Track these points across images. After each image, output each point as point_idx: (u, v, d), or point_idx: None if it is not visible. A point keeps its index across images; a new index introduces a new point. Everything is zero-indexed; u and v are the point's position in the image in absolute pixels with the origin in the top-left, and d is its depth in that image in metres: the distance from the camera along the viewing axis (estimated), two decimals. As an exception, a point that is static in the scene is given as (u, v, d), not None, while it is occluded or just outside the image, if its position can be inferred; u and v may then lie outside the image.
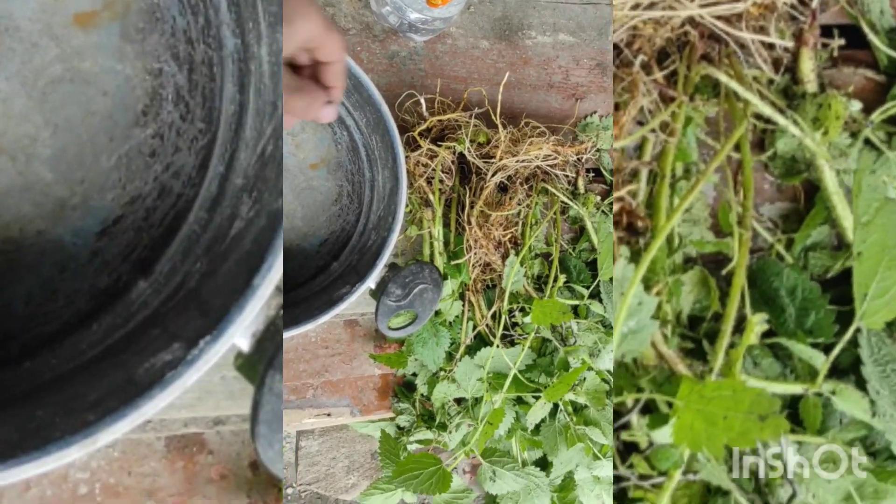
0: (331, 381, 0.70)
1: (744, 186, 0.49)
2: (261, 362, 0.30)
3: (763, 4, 0.50)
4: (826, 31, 0.56)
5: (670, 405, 0.44)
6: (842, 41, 0.55)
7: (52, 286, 0.37)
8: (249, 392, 0.30)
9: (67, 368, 0.34)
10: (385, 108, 0.54)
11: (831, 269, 0.51)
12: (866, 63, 0.57)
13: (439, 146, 0.62)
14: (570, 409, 0.71)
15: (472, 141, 0.62)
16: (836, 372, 0.49)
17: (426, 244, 0.64)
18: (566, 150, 0.67)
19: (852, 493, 0.46)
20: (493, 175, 0.62)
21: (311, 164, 0.64)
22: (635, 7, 0.50)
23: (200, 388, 0.47)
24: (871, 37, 0.56)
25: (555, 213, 0.69)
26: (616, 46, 0.52)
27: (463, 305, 0.67)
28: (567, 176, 0.70)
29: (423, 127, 0.62)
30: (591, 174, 0.76)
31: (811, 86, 0.53)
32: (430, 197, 0.61)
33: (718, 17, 0.51)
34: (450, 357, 0.68)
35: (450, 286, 0.64)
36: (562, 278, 0.69)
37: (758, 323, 0.45)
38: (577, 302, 0.70)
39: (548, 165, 0.67)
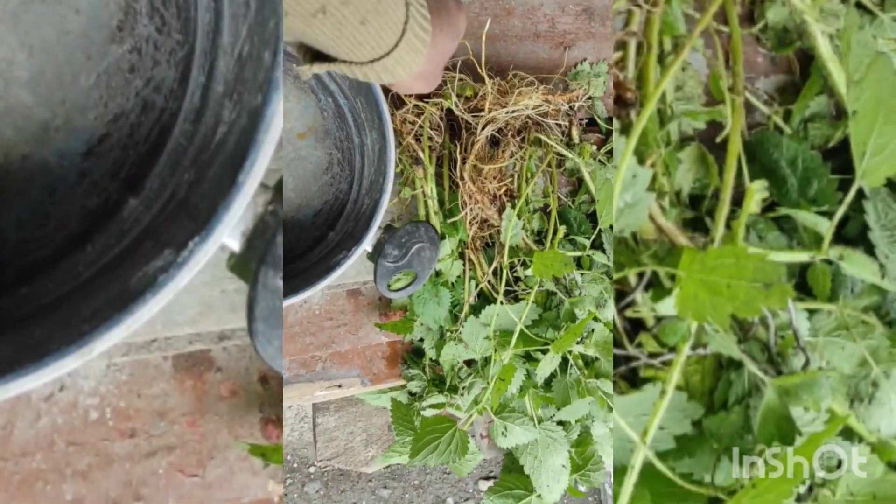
0: (339, 352, 0.70)
1: (732, 51, 0.48)
2: (252, 260, 0.30)
3: None
4: None
5: (673, 279, 0.44)
6: None
7: (43, 210, 0.37)
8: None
9: (65, 291, 0.35)
10: (365, 66, 0.53)
11: (832, 137, 0.50)
12: None
13: (426, 103, 0.61)
14: (580, 362, 0.71)
15: (458, 95, 0.61)
16: (844, 241, 0.48)
17: (421, 204, 0.63)
18: (557, 99, 0.66)
19: (867, 358, 0.46)
20: (482, 128, 0.61)
21: (297, 133, 0.63)
22: None
23: (201, 303, 0.47)
24: None
25: (549, 165, 0.68)
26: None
27: (463, 264, 0.66)
28: (560, 126, 0.69)
29: (408, 85, 0.61)
30: (585, 122, 0.74)
31: None
32: (421, 155, 0.60)
33: None
34: (455, 318, 0.67)
35: (448, 246, 0.64)
36: (562, 230, 0.68)
37: (758, 190, 0.44)
38: (579, 253, 0.69)
39: (539, 116, 0.65)
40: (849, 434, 0.49)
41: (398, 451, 0.69)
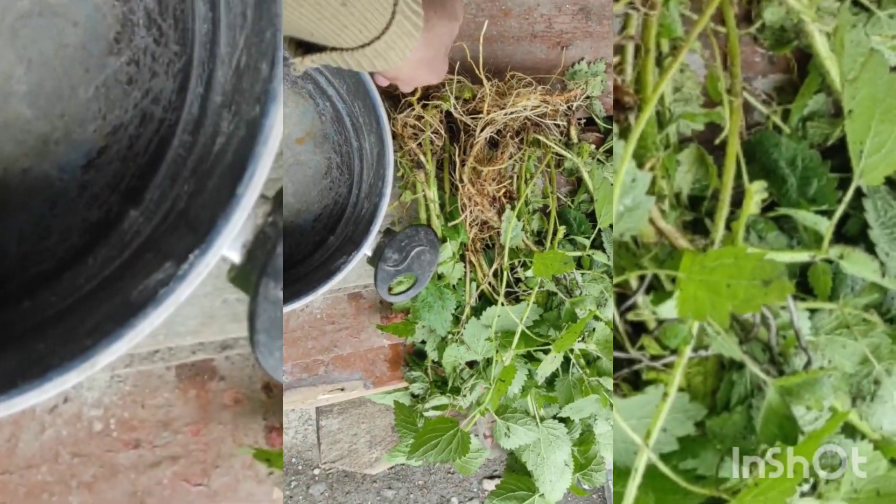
0: (340, 355, 0.70)
1: (730, 53, 0.48)
2: (253, 271, 0.30)
3: None
4: None
5: (674, 281, 0.44)
6: None
7: (44, 224, 0.37)
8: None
9: (67, 304, 0.35)
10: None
11: (831, 136, 0.50)
12: None
13: (425, 107, 0.61)
14: (582, 361, 0.71)
15: (457, 98, 0.61)
16: (844, 239, 0.48)
17: (422, 208, 0.63)
18: (555, 99, 0.66)
19: (868, 356, 0.46)
20: (481, 130, 0.61)
21: (296, 138, 0.63)
22: None
23: (203, 313, 0.47)
24: None
25: (548, 165, 0.68)
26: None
27: (464, 267, 0.66)
28: (559, 126, 0.69)
29: (406, 88, 0.61)
30: (584, 122, 0.74)
31: None
32: (421, 158, 0.60)
33: None
34: (456, 320, 0.67)
35: (449, 248, 0.64)
36: (562, 230, 0.68)
37: (757, 191, 0.44)
38: (579, 253, 0.69)
39: (537, 116, 0.65)
40: (851, 432, 0.49)
41: (402, 452, 0.69)
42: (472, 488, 1.09)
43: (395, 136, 0.61)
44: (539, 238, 0.70)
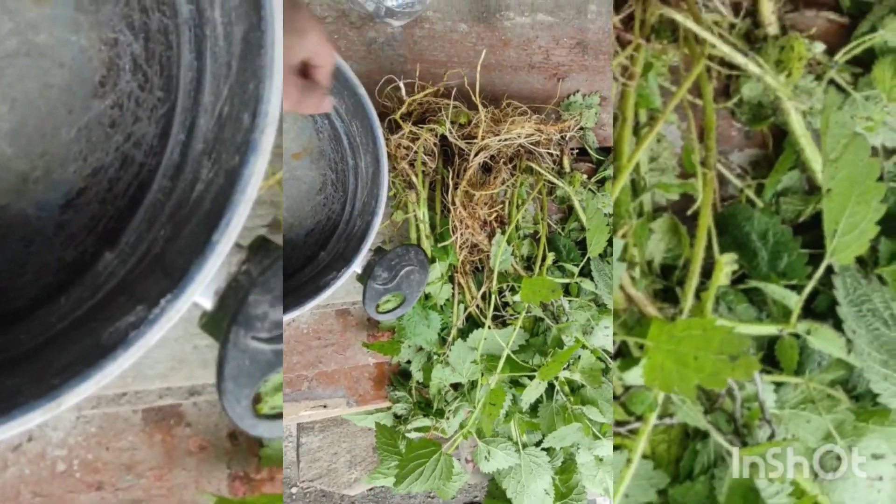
0: (325, 371, 0.70)
1: (706, 126, 0.49)
2: (224, 319, 0.30)
3: (720, -53, 0.50)
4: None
5: (641, 348, 0.44)
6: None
7: (20, 261, 0.37)
8: (221, 357, 0.30)
9: (38, 342, 0.34)
10: (362, 91, 0.54)
11: (803, 212, 0.51)
12: (828, 5, 0.57)
13: (421, 129, 0.62)
14: (566, 388, 0.71)
15: (452, 122, 0.62)
16: (812, 315, 0.49)
17: (412, 228, 0.64)
18: (549, 129, 0.67)
19: (832, 432, 0.46)
20: (475, 155, 0.62)
21: (293, 154, 0.64)
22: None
23: (173, 357, 0.47)
24: (834, -22, 0.56)
25: (540, 192, 0.69)
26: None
27: (453, 288, 0.67)
28: (552, 155, 0.70)
29: (403, 110, 0.62)
30: (577, 152, 0.75)
31: (773, 28, 0.53)
32: (414, 179, 0.61)
33: (675, -43, 0.51)
34: (442, 341, 0.68)
35: (438, 269, 0.64)
36: (551, 257, 0.69)
37: (727, 263, 0.45)
38: (567, 280, 0.70)
39: (531, 144, 0.67)
40: (813, 508, 0.49)
41: (382, 474, 0.68)
42: (452, 514, 1.07)
43: (389, 156, 0.62)
44: (528, 263, 0.71)
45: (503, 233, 0.65)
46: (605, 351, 0.71)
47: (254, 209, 0.29)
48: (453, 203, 0.62)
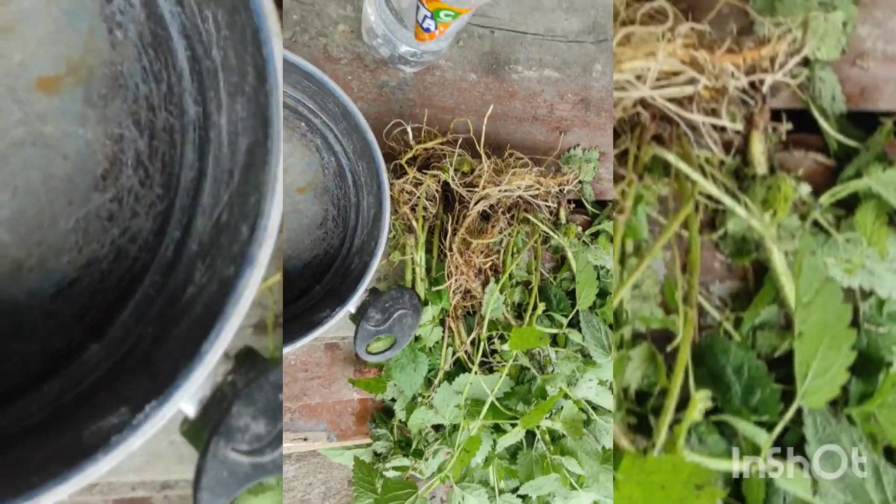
0: (309, 404, 0.70)
1: (690, 264, 0.50)
2: (206, 428, 0.30)
3: (714, 88, 0.52)
4: (778, 115, 0.57)
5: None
6: (790, 125, 0.57)
7: (6, 347, 0.36)
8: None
9: (16, 431, 0.34)
10: (371, 136, 0.55)
11: (778, 348, 0.52)
12: (817, 147, 0.59)
13: (424, 174, 0.63)
14: (547, 437, 0.71)
15: (456, 170, 0.64)
16: (782, 450, 0.50)
17: (408, 269, 0.65)
18: (548, 181, 0.69)
19: None
20: (475, 203, 0.63)
21: (297, 188, 0.65)
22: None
23: (149, 451, 0.47)
24: (822, 122, 0.58)
25: (535, 243, 0.71)
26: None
27: (443, 332, 0.67)
28: (549, 206, 0.72)
29: (409, 155, 0.64)
30: (573, 205, 0.77)
31: (761, 168, 0.54)
32: (414, 223, 0.62)
33: (670, 99, 0.52)
34: (429, 383, 0.68)
35: (430, 312, 0.65)
36: (542, 306, 0.70)
37: (701, 399, 0.46)
38: (555, 330, 0.71)
39: (530, 196, 0.68)
40: None
41: (356, 513, 0.68)
42: (422, 552, 1.05)
43: (391, 199, 0.63)
44: (519, 311, 0.72)
45: (496, 281, 0.66)
46: (587, 402, 0.72)
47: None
48: (450, 249, 0.63)
